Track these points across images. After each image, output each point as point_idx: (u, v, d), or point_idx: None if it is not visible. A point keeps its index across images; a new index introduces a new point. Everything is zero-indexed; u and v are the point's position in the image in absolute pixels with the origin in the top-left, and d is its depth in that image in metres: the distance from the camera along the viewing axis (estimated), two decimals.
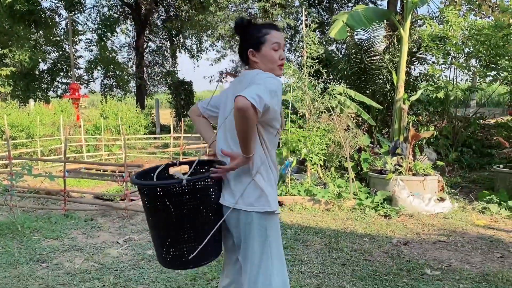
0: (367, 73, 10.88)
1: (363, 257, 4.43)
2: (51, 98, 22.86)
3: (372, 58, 10.94)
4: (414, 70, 12.11)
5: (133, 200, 6.53)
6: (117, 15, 25.86)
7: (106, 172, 9.56)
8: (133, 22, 26.04)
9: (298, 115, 7.77)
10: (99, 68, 25.11)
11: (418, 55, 11.32)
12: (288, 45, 20.64)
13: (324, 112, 7.61)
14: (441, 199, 6.49)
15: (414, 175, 6.93)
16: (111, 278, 3.96)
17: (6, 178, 6.33)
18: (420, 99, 10.19)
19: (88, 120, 14.56)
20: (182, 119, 10.54)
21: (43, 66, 24.07)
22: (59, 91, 24.28)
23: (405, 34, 8.32)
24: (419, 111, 10.87)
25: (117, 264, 4.34)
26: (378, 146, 8.85)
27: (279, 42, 2.26)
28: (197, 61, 28.61)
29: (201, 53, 27.75)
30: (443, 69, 9.94)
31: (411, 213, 6.14)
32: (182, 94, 22.06)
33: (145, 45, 26.71)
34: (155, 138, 15.57)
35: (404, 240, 5.02)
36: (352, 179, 6.76)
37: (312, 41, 7.82)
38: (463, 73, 10.03)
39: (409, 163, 7.04)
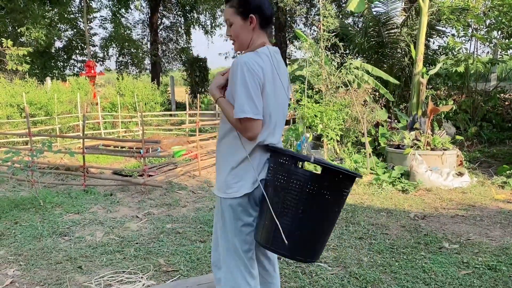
0: (384, 47, 10.67)
1: (380, 231, 4.44)
2: (68, 76, 23.00)
3: (390, 31, 10.71)
4: (433, 43, 11.87)
5: (151, 175, 6.61)
6: None
7: (124, 149, 9.67)
8: None
9: (314, 90, 7.69)
10: (114, 45, 25.11)
11: (437, 27, 11.04)
12: (303, 19, 20.30)
13: (341, 86, 7.52)
14: (460, 174, 6.42)
15: (432, 149, 6.85)
16: (132, 251, 4.05)
17: (27, 155, 6.45)
18: (439, 73, 10.00)
19: (104, 97, 14.65)
20: (198, 95, 10.50)
21: (58, 44, 24.18)
22: (75, 69, 24.43)
23: (425, 6, 8.10)
24: (437, 85, 10.67)
25: (137, 238, 4.42)
26: (396, 121, 8.74)
27: (224, 17, 2.14)
28: (211, 37, 28.40)
29: (215, 29, 27.50)
30: (463, 41, 9.71)
31: (429, 187, 6.10)
32: (197, 71, 22.00)
33: (159, 22, 26.55)
34: (170, 115, 15.63)
35: (422, 214, 5.00)
36: (369, 154, 6.72)
37: (328, 13, 7.67)
38: (484, 46, 9.78)
39: (428, 137, 6.95)
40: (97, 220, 5.04)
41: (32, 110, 11.44)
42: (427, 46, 10.70)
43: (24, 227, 4.81)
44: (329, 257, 3.77)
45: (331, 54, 8.01)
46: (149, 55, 25.60)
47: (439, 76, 10.44)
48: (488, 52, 10.52)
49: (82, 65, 23.32)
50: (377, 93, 8.67)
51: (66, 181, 7.18)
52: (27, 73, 16.38)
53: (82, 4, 21.50)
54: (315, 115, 6.81)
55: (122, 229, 4.74)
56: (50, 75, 20.55)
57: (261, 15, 2.05)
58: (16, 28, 19.68)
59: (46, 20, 19.93)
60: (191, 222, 4.87)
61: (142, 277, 3.46)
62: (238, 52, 2.19)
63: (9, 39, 15.70)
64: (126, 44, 24.69)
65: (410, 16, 10.44)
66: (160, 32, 26.98)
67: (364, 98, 7.80)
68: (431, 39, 11.49)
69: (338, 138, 7.14)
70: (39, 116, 11.67)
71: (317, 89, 7.68)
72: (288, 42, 21.02)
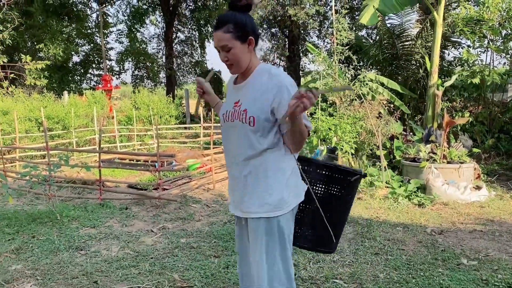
0: (399, 59, 10.64)
1: (396, 246, 4.38)
2: (84, 90, 23.40)
3: (404, 43, 10.68)
4: (448, 55, 11.79)
5: (166, 189, 6.65)
6: (146, 6, 26.11)
7: (139, 162, 9.75)
8: (162, 13, 26.25)
9: (328, 102, 7.69)
10: (129, 59, 25.52)
11: (452, 39, 10.98)
12: (316, 32, 20.36)
13: (355, 99, 7.50)
14: (477, 187, 6.32)
15: (449, 162, 6.76)
16: (147, 266, 4.06)
17: (44, 169, 6.55)
18: (454, 85, 9.91)
19: (120, 111, 14.85)
20: (212, 108, 10.58)
21: (76, 59, 24.68)
22: (92, 83, 24.85)
23: (439, 18, 8.07)
24: (453, 97, 10.57)
25: (152, 252, 4.44)
26: (411, 133, 8.67)
27: (215, 46, 2.10)
28: None
29: None
30: (479, 53, 9.61)
31: (446, 201, 6.01)
32: (212, 83, 22.13)
33: (174, 36, 26.91)
34: (185, 128, 15.76)
35: (438, 229, 4.92)
36: (385, 167, 6.66)
37: (342, 27, 7.70)
38: (501, 57, 9.67)
39: (444, 150, 6.87)
40: (112, 234, 5.08)
41: (49, 124, 11.65)
42: (442, 58, 10.63)
43: (42, 241, 4.86)
44: (344, 274, 3.73)
45: (344, 67, 8.01)
46: (164, 69, 25.92)
47: (455, 87, 10.35)
48: (504, 63, 10.40)
49: (99, 79, 23.73)
50: (392, 106, 8.61)
51: (83, 195, 7.26)
52: (45, 88, 16.72)
53: (99, 19, 21.95)
54: (329, 128, 6.80)
55: (137, 243, 4.76)
56: (67, 89, 20.95)
57: (256, 36, 2.11)
58: (35, 43, 20.14)
59: (64, 35, 20.37)
60: (206, 237, 4.87)
61: None
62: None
63: (28, 55, 16.06)
64: (142, 58, 25.08)
65: (425, 28, 10.40)
66: (175, 46, 27.33)
67: (378, 111, 7.76)
68: (446, 51, 11.43)
69: (353, 151, 7.10)
70: (56, 130, 11.87)
71: (331, 102, 7.68)
72: (301, 54, 21.08)
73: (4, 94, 14.68)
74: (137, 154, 10.67)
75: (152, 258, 4.28)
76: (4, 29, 16.33)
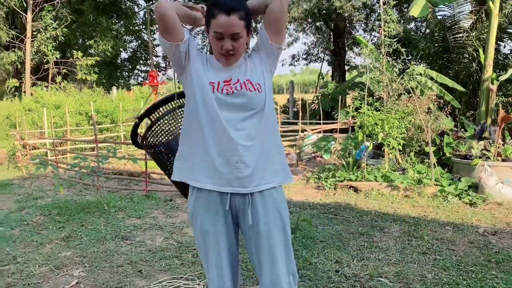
0: (450, 52, 10.19)
1: (446, 246, 4.18)
2: (132, 85, 24.09)
3: (456, 35, 10.22)
4: (504, 47, 11.17)
5: None
6: (192, 2, 26.45)
7: None
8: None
9: (375, 97, 7.46)
10: None
11: (509, 30, 10.39)
12: (363, 25, 19.90)
13: (403, 93, 7.24)
14: None
15: (503, 160, 6.41)
16: (189, 257, 4.09)
17: (93, 160, 6.76)
18: (510, 79, 9.37)
19: None
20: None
21: (124, 55, 25.43)
22: (139, 79, 25.54)
23: (495, 8, 7.65)
24: (509, 92, 10.01)
25: (195, 244, 4.47)
26: (463, 129, 8.29)
27: (222, 31, 1.86)
28: None
29: None
30: None
31: (500, 201, 5.69)
32: None
33: None
34: None
35: (492, 230, 4.66)
36: (434, 164, 6.39)
37: (390, 18, 7.44)
38: None
39: (498, 147, 6.52)
40: (157, 225, 5.16)
41: (98, 117, 12.05)
42: (497, 50, 10.08)
43: (89, 230, 5.02)
44: (390, 272, 3.60)
45: (392, 60, 7.75)
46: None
47: (511, 82, 9.80)
48: None
49: (146, 74, 24.33)
50: (441, 101, 8.26)
51: (129, 186, 7.45)
52: (94, 83, 17.34)
53: (146, 16, 22.45)
54: (376, 123, 6.60)
55: (180, 234, 4.82)
56: (116, 84, 21.61)
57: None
58: (86, 40, 20.91)
59: (112, 32, 21.02)
60: None
61: (199, 284, 3.48)
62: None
63: (79, 51, 16.70)
64: None
65: (479, 19, 9.90)
66: None
67: (428, 106, 7.46)
68: (501, 43, 10.83)
69: (400, 148, 6.86)
70: (105, 123, 12.27)
71: (377, 97, 7.46)
72: (346, 48, 20.69)
73: (57, 89, 15.33)
74: None
75: (194, 249, 4.31)
76: (57, 26, 17.04)
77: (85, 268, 3.89)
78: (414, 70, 7.70)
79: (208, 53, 2.28)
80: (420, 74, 8.06)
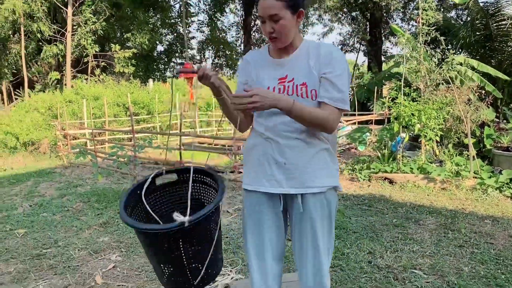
0: (493, 41, 9.78)
1: (484, 240, 4.05)
2: (168, 77, 24.45)
3: (500, 23, 9.78)
4: None
5: (242, 172, 6.74)
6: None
7: (217, 146, 10.01)
8: (241, 1, 26.54)
9: (412, 88, 7.27)
10: (210, 48, 26.19)
11: None
12: (400, 14, 19.38)
13: (442, 83, 7.02)
14: None
15: None
16: (221, 244, 4.14)
17: (130, 150, 6.94)
18: None
19: (201, 97, 15.32)
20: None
21: (160, 48, 25.81)
22: (175, 71, 25.86)
23: None
24: None
25: (227, 232, 4.52)
26: (505, 121, 7.97)
27: (261, 14, 1.83)
28: (304, 36, 28.31)
29: (307, 28, 27.41)
30: None
31: None
32: None
33: (252, 24, 27.12)
34: None
35: None
36: (473, 156, 6.18)
37: (428, 6, 7.20)
38: None
39: None
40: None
41: (135, 109, 12.33)
42: None
43: None
44: (424, 264, 3.53)
45: (431, 49, 7.52)
46: (243, 57, 26.24)
47: None
48: None
49: (181, 67, 24.61)
50: (483, 91, 7.96)
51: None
52: (131, 75, 17.71)
53: (181, 9, 22.68)
54: (412, 114, 6.44)
55: None
56: (152, 77, 21.99)
57: (304, 8, 1.91)
58: (123, 33, 21.36)
59: (149, 25, 21.36)
60: None
61: (231, 271, 3.52)
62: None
63: (117, 44, 17.07)
64: (221, 46, 25.59)
65: None
66: (253, 34, 27.54)
67: (467, 97, 7.21)
68: None
69: (438, 139, 6.66)
70: (141, 114, 12.54)
71: (415, 87, 7.26)
72: (383, 38, 20.23)
73: (95, 81, 15.76)
74: (214, 138, 10.94)
75: (227, 237, 4.36)
76: (96, 20, 17.48)
77: (122, 253, 4.01)
78: (453, 59, 7.44)
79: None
80: (460, 64, 7.79)
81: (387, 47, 21.53)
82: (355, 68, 21.73)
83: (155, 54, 24.74)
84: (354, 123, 10.52)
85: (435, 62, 7.46)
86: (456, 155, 6.83)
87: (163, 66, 25.49)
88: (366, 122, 11.39)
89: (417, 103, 6.65)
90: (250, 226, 2.02)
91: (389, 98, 7.66)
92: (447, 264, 3.52)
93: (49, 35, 17.33)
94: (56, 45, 17.51)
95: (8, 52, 18.23)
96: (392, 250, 3.86)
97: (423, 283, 3.18)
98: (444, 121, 6.69)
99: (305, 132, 1.88)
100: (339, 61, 1.85)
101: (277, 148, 1.89)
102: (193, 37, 27.11)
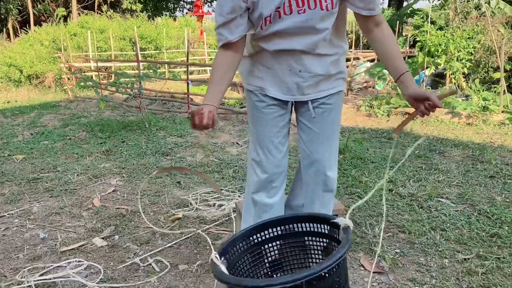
0: None
1: None
2: (177, 17, 23.64)
3: None
4: None
5: None
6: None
7: None
8: None
9: (439, 14, 6.67)
10: None
11: None
12: None
13: (472, 10, 6.41)
14: None
15: None
16: (230, 172, 3.87)
17: (135, 79, 6.57)
18: None
19: (211, 34, 14.68)
20: None
21: None
22: (185, 11, 24.97)
23: None
24: None
25: (236, 161, 4.24)
26: None
27: None
28: None
29: None
30: None
31: None
32: None
33: None
34: None
35: None
36: (504, 90, 5.71)
37: None
38: None
39: None
40: (198, 144, 4.96)
41: (142, 43, 11.82)
42: None
43: (130, 146, 4.90)
44: (451, 193, 3.20)
45: None
46: None
47: None
48: None
49: (191, 6, 23.71)
50: None
51: (172, 109, 7.28)
52: (139, 13, 17.01)
53: None
54: (439, 44, 5.90)
55: (222, 152, 4.60)
56: (161, 16, 21.22)
57: None
58: None
59: None
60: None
61: (239, 196, 3.25)
62: None
63: None
64: None
65: None
66: None
67: (497, 29, 6.62)
68: None
69: (466, 71, 6.16)
70: (149, 50, 12.04)
71: (443, 14, 6.66)
72: None
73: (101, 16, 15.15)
74: None
75: (236, 166, 4.08)
76: None
77: (123, 178, 3.76)
78: None
79: None
80: None
81: None
82: None
83: None
84: (373, 60, 9.94)
85: None
86: (483, 90, 6.35)
87: (172, 4, 24.60)
88: None
89: (445, 32, 6.09)
90: (255, 119, 1.85)
91: (411, 35, 7.09)
92: (477, 193, 3.20)
93: None
94: None
95: None
96: (415, 179, 3.54)
97: (452, 211, 2.87)
98: (474, 51, 6.14)
99: (324, 46, 1.66)
100: None
101: (294, 58, 1.66)
102: None
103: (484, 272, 2.12)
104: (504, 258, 2.25)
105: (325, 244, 1.57)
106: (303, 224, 1.59)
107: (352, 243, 1.39)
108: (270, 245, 1.61)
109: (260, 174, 1.87)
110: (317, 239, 1.58)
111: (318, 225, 1.56)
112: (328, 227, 1.52)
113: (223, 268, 1.35)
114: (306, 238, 1.60)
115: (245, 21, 1.60)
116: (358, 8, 1.60)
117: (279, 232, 1.61)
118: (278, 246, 1.62)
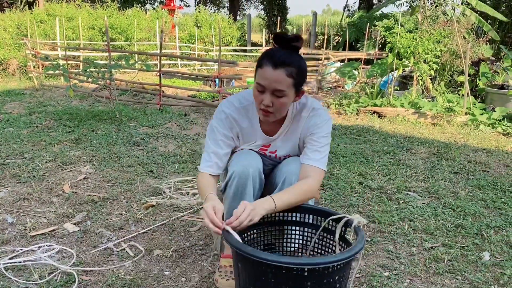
0: None
1: (479, 168, 3.88)
2: (147, 10, 23.28)
3: None
4: None
5: (226, 96, 6.39)
6: None
7: (199, 76, 9.54)
8: None
9: (408, 19, 6.88)
10: None
11: None
12: None
13: (442, 14, 6.63)
14: None
15: None
16: None
17: (105, 69, 6.44)
18: None
19: (182, 29, 14.54)
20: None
21: None
22: (156, 4, 24.60)
23: None
24: None
25: None
26: (502, 59, 7.71)
27: (264, 84, 1.63)
28: None
29: None
30: None
31: None
32: (275, 10, 21.25)
33: None
34: (245, 50, 15.25)
35: None
36: (468, 93, 5.95)
37: None
38: None
39: None
40: (170, 135, 4.93)
41: (112, 34, 11.57)
42: None
43: (100, 135, 4.81)
44: (418, 187, 3.33)
45: None
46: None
47: None
48: None
49: (163, 0, 23.39)
50: (479, 31, 7.64)
51: (142, 101, 7.19)
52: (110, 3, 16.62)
53: None
54: (408, 46, 6.09)
55: (195, 144, 4.58)
56: (131, 8, 20.83)
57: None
58: None
59: None
60: None
61: None
62: None
63: None
64: None
65: None
66: None
67: (466, 31, 6.88)
68: None
69: (432, 73, 6.38)
70: (119, 41, 11.80)
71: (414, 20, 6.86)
72: None
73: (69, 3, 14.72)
74: (196, 75, 10.44)
75: None
76: None
77: (94, 166, 3.69)
78: None
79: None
80: (462, 2, 7.38)
81: None
82: (345, 9, 21.00)
83: None
84: (343, 60, 10.13)
85: None
86: (448, 93, 6.60)
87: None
88: (355, 60, 11.02)
89: (414, 34, 6.28)
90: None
91: (380, 38, 7.27)
92: (443, 188, 3.33)
93: None
94: None
95: None
96: (384, 173, 3.65)
97: (419, 204, 2.99)
98: (440, 55, 6.37)
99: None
100: (326, 123, 1.80)
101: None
102: None
103: (449, 259, 2.22)
104: (468, 246, 2.37)
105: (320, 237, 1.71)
106: (306, 215, 1.72)
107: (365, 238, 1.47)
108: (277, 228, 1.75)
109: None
110: (313, 230, 1.72)
111: (318, 218, 1.70)
112: (323, 219, 1.67)
113: (237, 237, 1.41)
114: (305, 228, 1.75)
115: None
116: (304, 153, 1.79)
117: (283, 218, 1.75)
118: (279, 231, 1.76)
